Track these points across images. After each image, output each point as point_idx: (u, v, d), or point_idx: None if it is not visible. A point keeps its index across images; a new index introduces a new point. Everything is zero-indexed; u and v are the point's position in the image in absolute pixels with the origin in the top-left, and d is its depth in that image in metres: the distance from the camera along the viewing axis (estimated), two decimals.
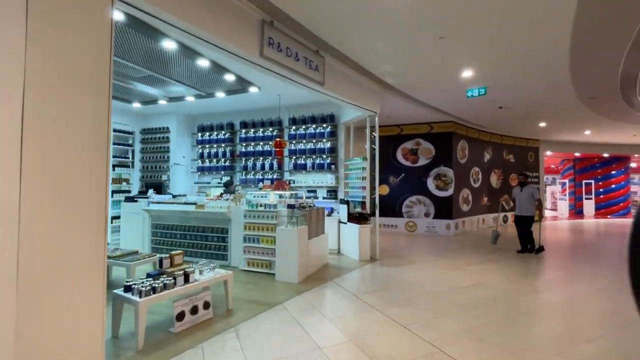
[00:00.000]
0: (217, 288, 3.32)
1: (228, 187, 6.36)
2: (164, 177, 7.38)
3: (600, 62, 4.69)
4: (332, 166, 6.47)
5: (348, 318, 3.17)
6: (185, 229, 5.31)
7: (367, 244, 5.62)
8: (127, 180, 7.32)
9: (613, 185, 14.13)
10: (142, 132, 7.76)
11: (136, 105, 6.71)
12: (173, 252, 3.14)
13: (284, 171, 6.95)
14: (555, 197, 16.35)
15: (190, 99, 6.19)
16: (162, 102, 6.44)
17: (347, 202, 5.90)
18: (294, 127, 6.78)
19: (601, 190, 14.29)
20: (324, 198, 6.50)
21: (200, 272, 3.13)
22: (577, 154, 13.03)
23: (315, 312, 3.27)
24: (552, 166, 24.29)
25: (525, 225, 6.63)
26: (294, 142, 6.77)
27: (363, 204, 5.83)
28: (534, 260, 5.83)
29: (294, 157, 6.78)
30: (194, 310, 2.92)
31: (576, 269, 5.40)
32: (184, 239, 5.30)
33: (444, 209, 8.42)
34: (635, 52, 4.60)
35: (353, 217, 5.79)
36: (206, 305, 3.05)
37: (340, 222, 6.14)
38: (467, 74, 4.95)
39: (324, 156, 6.57)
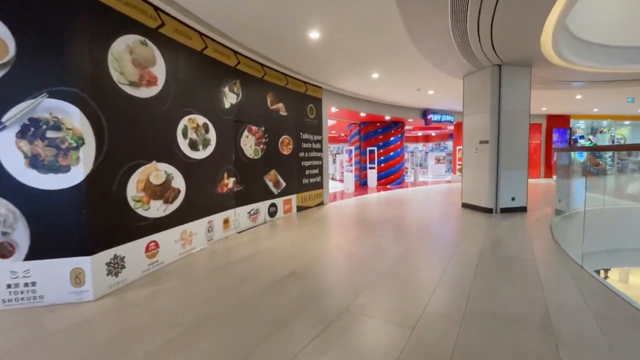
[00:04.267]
0: None
1: None
2: None
3: None
4: None
5: None
6: None
7: None
8: None
9: (392, 153, 13.14)
10: None
11: None
12: None
13: None
14: (344, 167, 14.51)
15: None
16: None
17: None
18: None
19: (382, 158, 13.06)
20: None
21: None
22: (362, 114, 10.69)
23: None
24: (342, 134, 24.22)
25: None
26: None
27: None
28: None
29: None
30: None
31: None
32: None
33: (61, 230, 2.83)
34: None
35: None
36: None
37: None
38: None
39: None
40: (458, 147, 14.51)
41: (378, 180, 12.96)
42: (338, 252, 4.22)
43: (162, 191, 3.75)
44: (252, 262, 3.87)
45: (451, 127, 18.06)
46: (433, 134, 23.36)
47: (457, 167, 14.39)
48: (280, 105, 6.60)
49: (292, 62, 6.23)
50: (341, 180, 15.04)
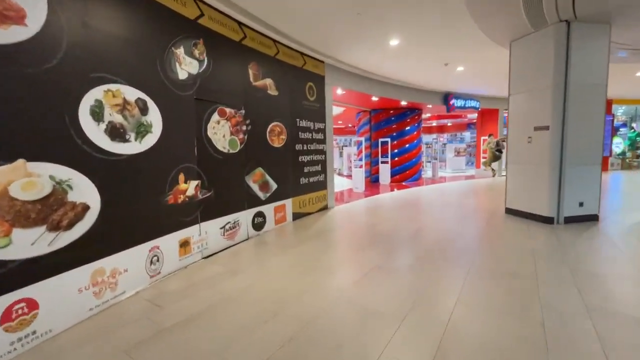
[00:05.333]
0: None
1: None
2: None
3: None
4: None
5: None
6: None
7: None
8: None
9: (407, 145, 11.42)
10: None
11: None
12: None
13: None
14: (352, 161, 12.87)
15: None
16: None
17: None
18: None
19: (396, 151, 11.36)
20: None
21: None
22: (374, 98, 8.98)
23: None
24: (350, 125, 22.40)
25: None
26: None
27: None
28: None
29: None
30: None
31: None
32: None
33: None
34: None
35: None
36: None
37: None
38: None
39: None
40: (483, 138, 12.71)
41: (392, 176, 11.29)
42: (347, 305, 2.62)
43: (43, 211, 2.18)
44: (199, 330, 2.29)
45: (472, 115, 16.21)
46: (449, 124, 21.46)
47: (482, 160, 12.61)
48: (269, 81, 4.97)
49: (282, 20, 4.57)
50: (349, 177, 13.42)
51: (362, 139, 10.75)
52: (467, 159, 16.10)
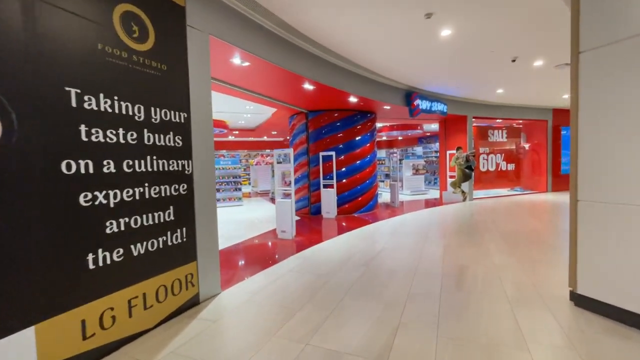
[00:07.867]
0: None
1: None
2: None
3: None
4: None
5: None
6: None
7: None
8: None
9: (358, 161, 8.26)
10: None
11: None
12: None
13: None
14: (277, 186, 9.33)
15: None
16: None
17: None
18: None
19: (344, 169, 8.12)
20: None
21: None
22: (308, 86, 5.61)
23: None
24: (288, 138, 18.98)
25: None
26: None
27: None
28: None
29: None
30: None
31: None
32: None
33: None
34: None
35: None
36: None
37: None
38: None
39: None
40: (449, 152, 10.18)
41: (339, 205, 7.97)
42: None
43: None
44: None
45: (428, 127, 13.95)
46: (400, 138, 19.29)
47: (449, 180, 10.03)
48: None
49: None
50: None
51: (295, 152, 7.31)
52: (425, 177, 13.66)
